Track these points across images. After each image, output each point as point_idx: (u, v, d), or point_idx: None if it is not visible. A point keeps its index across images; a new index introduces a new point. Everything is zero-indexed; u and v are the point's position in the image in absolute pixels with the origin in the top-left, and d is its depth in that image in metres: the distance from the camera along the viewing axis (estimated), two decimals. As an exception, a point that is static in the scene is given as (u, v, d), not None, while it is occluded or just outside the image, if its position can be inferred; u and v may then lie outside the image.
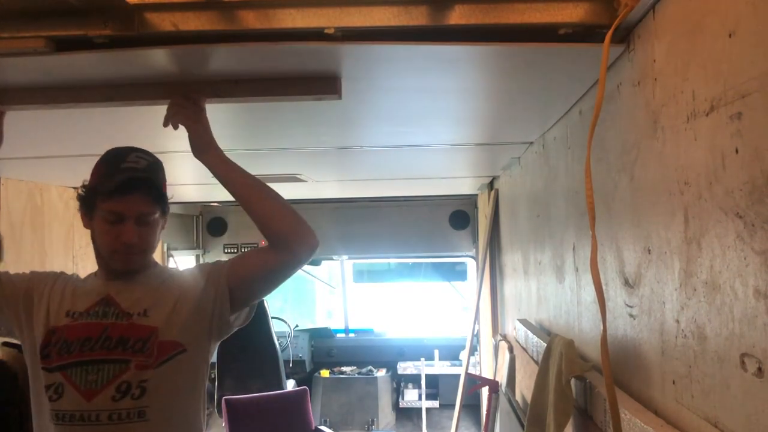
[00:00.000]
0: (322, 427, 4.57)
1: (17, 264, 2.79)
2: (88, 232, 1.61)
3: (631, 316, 1.38)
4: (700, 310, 1.04)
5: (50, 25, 1.26)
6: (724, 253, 0.94)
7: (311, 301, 8.01)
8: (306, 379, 5.77)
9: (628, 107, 1.38)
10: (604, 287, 1.39)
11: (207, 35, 1.29)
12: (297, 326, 6.15)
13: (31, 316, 1.58)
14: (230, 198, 1.59)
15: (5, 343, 2.49)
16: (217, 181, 1.59)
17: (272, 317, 5.46)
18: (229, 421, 4.19)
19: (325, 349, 6.10)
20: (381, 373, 5.85)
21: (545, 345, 1.90)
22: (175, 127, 1.57)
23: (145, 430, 1.47)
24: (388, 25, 1.26)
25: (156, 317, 1.54)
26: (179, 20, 1.27)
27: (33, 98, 1.58)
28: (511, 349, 3.09)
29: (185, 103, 1.54)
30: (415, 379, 5.83)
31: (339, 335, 6.33)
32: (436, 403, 5.77)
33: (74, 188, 1.64)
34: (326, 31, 1.25)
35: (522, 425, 2.44)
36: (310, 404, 4.50)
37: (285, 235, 1.53)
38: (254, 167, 2.93)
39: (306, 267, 6.12)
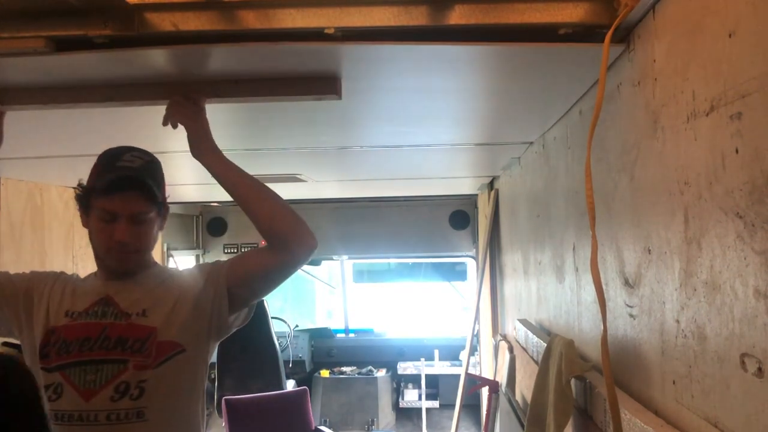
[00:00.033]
0: (322, 427, 4.57)
1: (17, 264, 2.79)
2: (87, 232, 1.61)
3: (631, 316, 1.38)
4: (700, 310, 1.03)
5: (50, 25, 1.26)
6: (724, 253, 0.94)
7: (311, 301, 8.01)
8: (306, 379, 5.77)
9: (628, 107, 1.38)
10: (604, 287, 1.39)
11: (207, 35, 1.29)
12: (297, 326, 6.15)
13: (31, 316, 1.58)
14: (230, 198, 1.59)
15: (5, 343, 2.49)
16: (216, 182, 1.59)
17: (272, 317, 5.46)
18: (229, 421, 4.19)
19: (325, 349, 6.10)
20: (381, 373, 5.85)
21: (545, 345, 1.90)
22: (174, 126, 1.57)
23: (143, 430, 1.47)
24: (388, 25, 1.26)
25: (155, 317, 1.53)
26: (179, 20, 1.27)
27: (33, 98, 1.58)
28: (511, 349, 3.09)
29: (185, 102, 1.54)
30: (415, 379, 5.83)
31: (339, 335, 6.33)
32: (436, 403, 5.77)
33: (74, 188, 1.63)
34: (326, 31, 1.25)
35: (522, 425, 2.44)
36: (310, 404, 4.50)
37: (284, 236, 1.53)
38: (254, 167, 2.93)
39: (306, 267, 6.14)
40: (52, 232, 3.24)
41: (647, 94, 1.24)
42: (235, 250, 5.57)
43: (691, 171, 1.05)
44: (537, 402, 1.86)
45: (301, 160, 2.89)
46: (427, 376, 5.71)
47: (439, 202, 5.39)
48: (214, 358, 5.28)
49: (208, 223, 5.69)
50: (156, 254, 4.30)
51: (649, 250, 1.25)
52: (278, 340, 5.39)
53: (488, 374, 4.13)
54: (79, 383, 1.46)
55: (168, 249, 4.94)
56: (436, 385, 5.81)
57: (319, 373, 5.88)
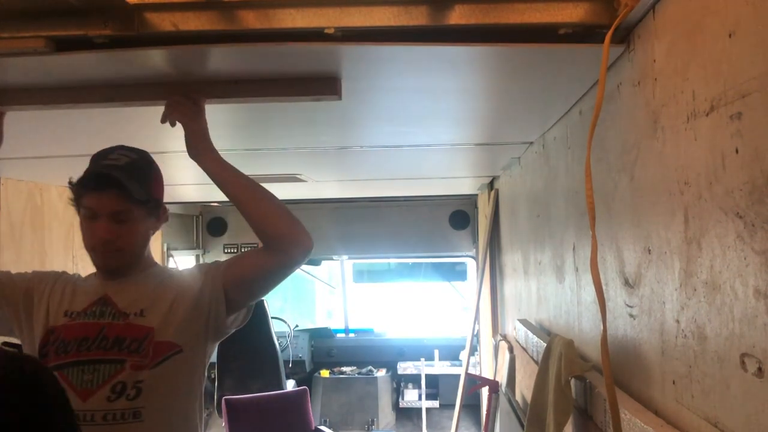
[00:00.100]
0: (322, 427, 4.57)
1: (17, 264, 2.79)
2: None
3: (631, 316, 1.38)
4: (700, 310, 1.03)
5: (50, 25, 1.26)
6: (724, 253, 0.94)
7: (311, 301, 8.01)
8: (306, 379, 5.77)
9: (628, 107, 1.38)
10: (604, 287, 1.39)
11: (207, 35, 1.29)
12: (297, 326, 6.15)
13: (31, 315, 1.58)
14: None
15: (5, 343, 2.49)
16: (213, 182, 1.59)
17: (272, 317, 5.46)
18: (228, 421, 4.19)
19: (325, 349, 6.10)
20: (381, 373, 5.85)
21: (545, 345, 1.90)
22: (173, 125, 1.57)
23: (140, 430, 1.47)
24: (388, 25, 1.26)
25: (152, 317, 1.53)
26: (179, 20, 1.27)
27: (33, 98, 1.58)
28: (511, 349, 3.09)
29: (185, 101, 1.53)
30: (415, 379, 5.83)
31: (339, 335, 6.33)
32: (436, 403, 5.77)
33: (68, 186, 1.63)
34: (326, 31, 1.25)
35: (522, 425, 2.44)
36: (310, 404, 4.50)
37: (280, 237, 1.53)
38: (254, 167, 2.95)
39: (306, 267, 6.15)
40: (52, 232, 3.24)
41: (647, 94, 1.24)
42: (235, 250, 5.57)
43: (691, 171, 1.05)
44: (537, 402, 1.86)
45: (301, 160, 2.89)
46: (427, 376, 5.71)
47: (439, 202, 5.39)
48: (214, 358, 5.28)
49: (208, 223, 5.69)
50: (156, 254, 4.30)
51: (649, 250, 1.25)
52: (278, 340, 5.39)
53: (488, 374, 4.13)
54: (76, 383, 1.46)
55: (168, 249, 4.94)
56: (436, 385, 5.80)
57: (319, 373, 5.88)
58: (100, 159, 1.57)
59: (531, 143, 2.55)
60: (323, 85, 1.52)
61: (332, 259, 6.12)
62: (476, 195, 4.86)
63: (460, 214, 5.44)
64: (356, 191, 4.61)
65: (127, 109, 1.66)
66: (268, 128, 2.22)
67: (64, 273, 1.66)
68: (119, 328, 1.51)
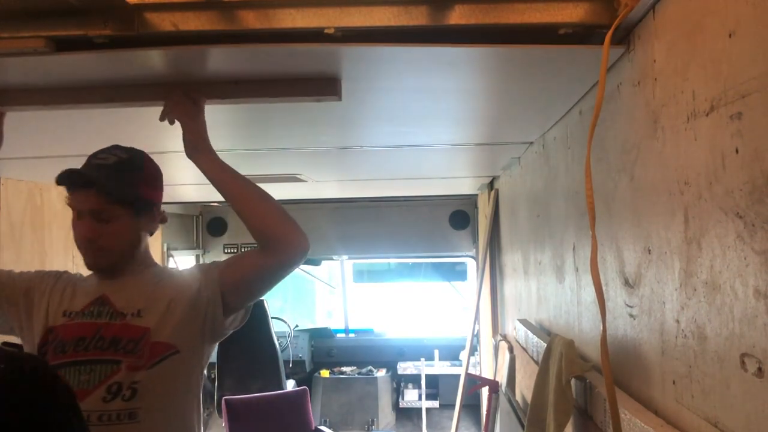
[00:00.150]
0: (322, 427, 4.57)
1: (17, 264, 2.78)
2: None
3: (631, 316, 1.38)
4: (700, 310, 1.04)
5: (50, 25, 1.26)
6: (724, 253, 0.94)
7: (311, 301, 8.02)
8: (306, 379, 5.77)
9: (628, 107, 1.38)
10: (604, 287, 1.39)
11: (207, 35, 1.29)
12: (297, 326, 6.16)
13: (31, 315, 1.58)
14: None
15: (5, 343, 2.49)
16: (209, 182, 1.59)
17: (272, 317, 5.46)
18: (229, 421, 4.19)
19: (325, 349, 6.10)
20: (381, 373, 5.86)
21: (545, 345, 1.90)
22: (171, 123, 1.57)
23: (135, 431, 1.46)
24: (388, 25, 1.26)
25: (149, 318, 1.52)
26: (179, 20, 1.27)
27: (33, 99, 1.58)
28: (511, 349, 3.09)
29: (184, 100, 1.53)
30: (415, 379, 5.83)
31: (339, 335, 6.33)
32: (436, 403, 5.77)
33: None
34: (326, 31, 1.25)
35: (522, 425, 2.44)
36: (310, 404, 4.50)
37: (275, 238, 1.52)
38: (254, 167, 2.95)
39: (306, 267, 6.15)
40: (52, 232, 3.25)
41: (647, 94, 1.25)
42: (235, 250, 5.57)
43: (691, 171, 1.05)
44: (537, 402, 1.86)
45: (301, 160, 2.89)
46: (427, 376, 5.71)
47: (439, 202, 5.39)
48: (213, 358, 5.29)
49: (208, 223, 5.69)
50: (156, 254, 4.29)
51: (649, 250, 1.25)
52: (278, 340, 5.39)
53: (488, 374, 4.13)
54: (73, 383, 1.45)
55: (168, 249, 4.94)
56: (436, 385, 5.81)
57: (319, 373, 5.88)
58: (91, 158, 1.57)
59: (531, 143, 2.55)
60: (323, 86, 1.52)
61: (332, 259, 6.12)
62: (476, 195, 4.86)
63: (460, 214, 5.44)
64: (356, 191, 4.61)
65: (127, 110, 1.66)
66: (268, 128, 2.22)
67: (65, 273, 1.66)
68: (116, 329, 1.51)
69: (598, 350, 1.36)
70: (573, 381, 1.63)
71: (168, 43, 1.30)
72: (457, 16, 1.26)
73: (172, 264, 5.01)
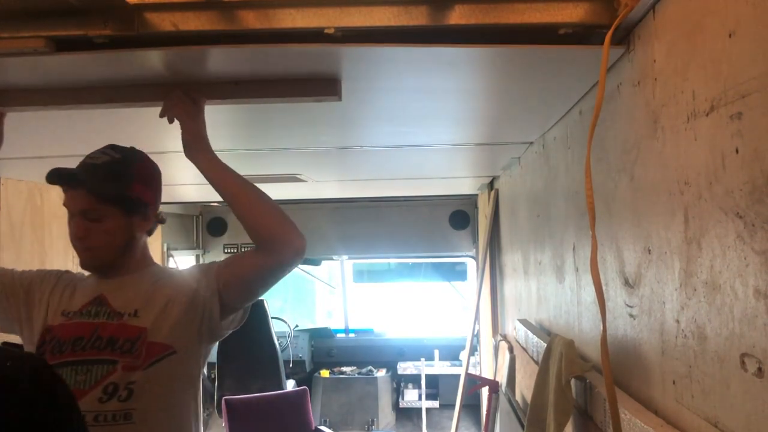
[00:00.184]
0: (322, 427, 4.57)
1: (17, 264, 2.77)
2: None
3: (631, 316, 1.38)
4: (700, 310, 1.04)
5: (50, 25, 1.26)
6: (724, 253, 0.94)
7: (311, 301, 8.01)
8: (306, 379, 5.77)
9: (628, 107, 1.38)
10: (604, 287, 1.39)
11: (207, 35, 1.29)
12: (297, 326, 6.15)
13: (31, 314, 1.58)
14: None
15: (5, 343, 2.49)
16: (208, 182, 1.58)
17: (272, 317, 5.46)
18: (229, 421, 4.19)
19: (325, 349, 6.10)
20: (381, 373, 5.86)
21: (545, 345, 1.90)
22: (170, 121, 1.56)
23: None
24: (388, 25, 1.26)
25: (146, 318, 1.52)
26: (179, 20, 1.27)
27: (33, 99, 1.58)
28: (511, 349, 3.09)
29: (185, 99, 1.53)
30: (415, 379, 5.83)
31: (339, 335, 6.33)
32: (436, 403, 5.77)
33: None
34: (326, 31, 1.25)
35: (522, 425, 2.44)
36: (310, 404, 4.51)
37: (271, 238, 1.51)
38: (254, 167, 2.94)
39: (306, 267, 6.15)
40: (52, 232, 3.24)
41: (647, 94, 1.25)
42: (235, 250, 5.56)
43: (691, 171, 1.05)
44: (537, 402, 1.86)
45: (301, 160, 2.89)
46: (427, 376, 5.71)
47: (439, 202, 5.38)
48: (213, 358, 5.29)
49: (208, 223, 5.69)
50: (156, 254, 4.28)
51: (649, 250, 1.25)
52: (278, 340, 5.39)
53: (488, 374, 4.13)
54: (69, 383, 1.44)
55: (168, 249, 4.94)
56: (436, 385, 5.81)
57: (319, 373, 5.88)
58: (85, 158, 1.57)
59: (531, 143, 2.55)
60: (323, 86, 1.52)
61: (332, 259, 6.12)
62: (476, 195, 4.86)
63: (460, 214, 5.44)
64: (356, 191, 4.61)
65: (127, 110, 1.66)
66: (269, 128, 2.22)
67: (66, 272, 1.66)
68: (113, 328, 1.50)
69: (598, 350, 1.36)
70: (573, 381, 1.63)
71: (168, 44, 1.30)
72: (457, 16, 1.26)
73: (172, 264, 5.01)
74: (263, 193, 1.56)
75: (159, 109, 1.57)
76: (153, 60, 1.40)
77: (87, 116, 1.83)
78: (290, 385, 5.27)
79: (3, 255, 2.84)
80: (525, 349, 2.50)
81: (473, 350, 4.75)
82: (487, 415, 3.58)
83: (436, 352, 5.75)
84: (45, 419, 0.90)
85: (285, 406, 4.45)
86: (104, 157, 1.56)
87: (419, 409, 5.72)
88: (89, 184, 1.51)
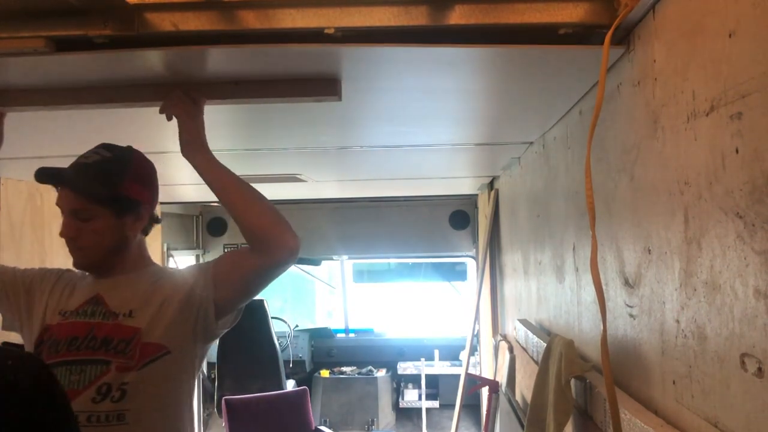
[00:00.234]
0: (322, 427, 4.58)
1: (17, 264, 2.78)
2: None
3: (631, 316, 1.38)
4: (700, 310, 1.04)
5: (50, 25, 1.26)
6: (724, 253, 0.94)
7: (311, 301, 8.01)
8: (306, 379, 5.77)
9: (628, 107, 1.38)
10: (604, 287, 1.39)
11: (207, 35, 1.29)
12: (297, 326, 6.16)
13: (31, 312, 1.58)
14: None
15: (6, 343, 2.49)
16: (204, 182, 1.58)
17: (272, 317, 5.46)
18: (229, 421, 4.19)
19: (325, 349, 6.10)
20: (381, 373, 5.86)
21: (545, 345, 1.90)
22: (169, 119, 1.56)
23: None
24: (388, 26, 1.26)
25: (141, 318, 1.51)
26: (179, 20, 1.27)
27: (33, 99, 1.58)
28: (511, 349, 3.09)
29: (185, 98, 1.53)
30: (415, 379, 5.83)
31: (339, 335, 6.33)
32: (436, 403, 5.77)
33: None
34: (326, 31, 1.25)
35: (522, 425, 2.44)
36: (310, 404, 4.51)
37: (264, 237, 1.50)
38: (254, 167, 2.95)
39: (306, 267, 6.14)
40: (52, 232, 3.24)
41: (647, 94, 1.24)
42: (235, 250, 5.55)
43: (691, 171, 1.05)
44: (537, 402, 1.86)
45: (301, 160, 2.89)
46: (427, 376, 5.71)
47: (439, 202, 5.38)
48: (213, 357, 5.29)
49: (208, 223, 5.69)
50: (156, 254, 4.28)
51: (649, 250, 1.25)
52: (278, 340, 5.40)
53: (488, 374, 4.13)
54: (64, 383, 1.44)
55: (168, 249, 4.94)
56: (436, 385, 5.81)
57: (319, 373, 5.88)
58: (78, 158, 1.58)
59: (531, 143, 2.55)
60: (323, 86, 1.52)
61: (332, 259, 6.12)
62: (476, 195, 4.86)
63: (460, 214, 5.44)
64: (356, 191, 4.61)
65: (128, 110, 1.66)
66: (268, 128, 2.22)
67: (67, 271, 1.66)
68: (108, 328, 1.50)
69: (598, 350, 1.36)
70: (573, 381, 1.63)
71: (168, 44, 1.30)
72: (457, 16, 1.26)
73: (172, 264, 5.01)
74: (259, 193, 1.55)
75: (158, 109, 1.57)
76: (153, 60, 1.40)
77: (87, 116, 1.83)
78: (290, 385, 5.27)
79: (3, 255, 2.84)
80: (525, 349, 2.50)
81: (473, 350, 4.75)
82: (487, 415, 3.58)
83: (436, 352, 5.75)
84: (44, 419, 0.90)
85: (285, 406, 4.45)
86: (95, 157, 1.56)
87: (419, 409, 5.72)
88: (78, 183, 1.52)
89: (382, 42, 1.30)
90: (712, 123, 0.97)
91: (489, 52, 1.38)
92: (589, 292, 1.69)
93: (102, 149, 1.58)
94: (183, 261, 5.30)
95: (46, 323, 1.55)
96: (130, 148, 1.62)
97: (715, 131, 0.96)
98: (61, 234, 1.55)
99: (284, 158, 2.77)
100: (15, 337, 1.67)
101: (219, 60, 1.41)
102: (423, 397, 5.70)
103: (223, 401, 4.28)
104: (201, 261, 5.42)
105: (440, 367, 5.74)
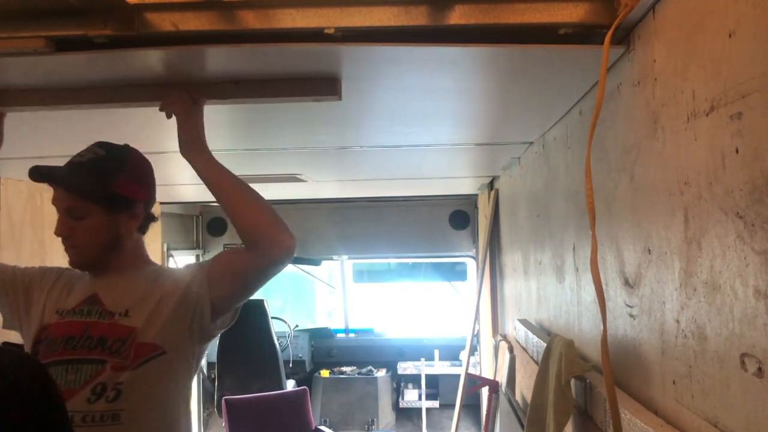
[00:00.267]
0: (322, 427, 4.58)
1: (17, 264, 2.79)
2: None
3: (631, 316, 1.38)
4: (700, 310, 1.04)
5: (50, 25, 1.26)
6: (724, 253, 0.94)
7: (311, 301, 8.01)
8: (306, 379, 5.77)
9: (628, 107, 1.38)
10: (604, 287, 1.39)
11: (207, 35, 1.29)
12: (297, 326, 6.15)
13: (29, 312, 1.58)
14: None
15: (6, 343, 2.49)
16: (201, 180, 1.58)
17: (272, 317, 5.46)
18: (229, 421, 4.19)
19: (325, 349, 6.10)
20: (381, 373, 5.86)
21: (545, 345, 1.90)
22: (168, 116, 1.56)
23: None
24: (388, 26, 1.26)
25: (137, 318, 1.50)
26: (179, 20, 1.27)
27: (33, 99, 1.58)
28: (511, 349, 3.09)
29: (186, 96, 1.53)
30: (415, 379, 5.83)
31: (339, 335, 6.33)
32: (436, 403, 5.77)
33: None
34: (326, 31, 1.25)
35: (522, 425, 2.44)
36: (310, 404, 4.51)
37: (259, 235, 1.49)
38: (254, 167, 2.95)
39: (306, 267, 6.14)
40: (52, 232, 3.24)
41: (647, 94, 1.24)
42: (235, 250, 5.54)
43: (691, 171, 1.05)
44: (537, 402, 1.86)
45: (301, 160, 2.89)
46: (427, 376, 5.71)
47: (439, 202, 5.38)
48: (213, 358, 5.29)
49: (208, 223, 5.69)
50: (156, 254, 4.28)
51: (649, 250, 1.25)
52: (278, 340, 5.39)
53: (488, 374, 4.13)
54: (60, 382, 1.44)
55: (168, 249, 4.94)
56: (436, 385, 5.81)
57: (319, 373, 5.88)
58: (73, 156, 1.58)
59: (531, 143, 2.55)
60: (323, 86, 1.52)
61: (332, 259, 6.12)
62: (476, 195, 4.86)
63: (460, 214, 5.44)
64: (356, 191, 4.61)
65: (128, 110, 1.66)
66: (268, 128, 2.22)
67: (66, 270, 1.65)
68: (103, 328, 1.49)
69: (598, 350, 1.36)
70: (573, 381, 1.63)
71: (168, 43, 1.30)
72: (457, 17, 1.26)
73: (172, 264, 5.01)
74: (256, 193, 1.54)
75: (159, 106, 1.57)
76: (153, 60, 1.40)
77: (87, 116, 1.83)
78: (290, 385, 5.27)
79: (3, 255, 2.83)
80: (525, 349, 2.50)
81: (473, 350, 4.75)
82: (487, 415, 3.58)
83: (436, 352, 5.75)
84: (44, 419, 0.90)
85: (285, 406, 4.45)
86: (89, 155, 1.56)
87: (419, 409, 5.72)
88: (71, 181, 1.52)
89: (382, 41, 1.30)
90: (712, 123, 0.97)
91: (489, 52, 1.38)
92: (589, 292, 1.69)
93: (97, 147, 1.58)
94: (183, 261, 5.30)
95: (44, 322, 1.55)
96: (126, 146, 1.62)
97: (715, 131, 0.96)
98: (56, 232, 1.54)
99: (284, 158, 2.77)
100: (15, 337, 1.67)
101: (219, 59, 1.41)
102: (423, 397, 5.70)
103: (223, 401, 4.28)
104: (201, 261, 5.44)
105: (440, 367, 5.74)
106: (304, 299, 8.02)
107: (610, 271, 1.50)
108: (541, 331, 2.36)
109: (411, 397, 5.85)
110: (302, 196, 4.53)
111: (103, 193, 1.53)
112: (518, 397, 2.77)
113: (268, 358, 5.15)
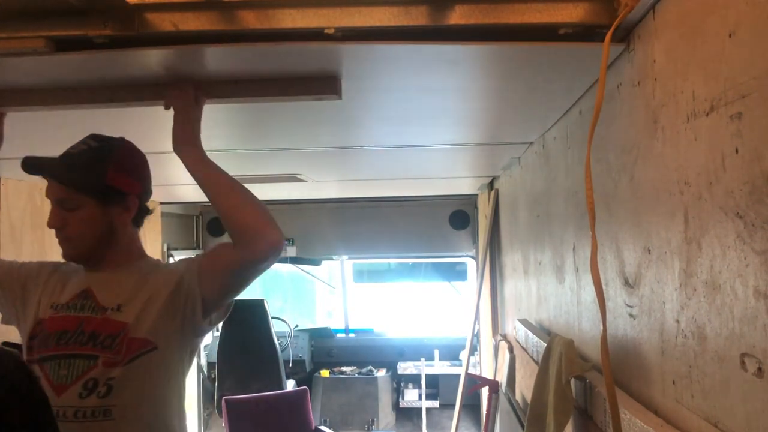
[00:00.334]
0: (322, 427, 4.58)
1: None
2: None
3: (631, 316, 1.38)
4: (700, 310, 1.04)
5: (50, 25, 1.26)
6: (724, 253, 0.94)
7: (311, 301, 8.01)
8: (306, 379, 5.77)
9: (628, 107, 1.38)
10: (604, 287, 1.39)
11: (207, 35, 1.29)
12: (297, 326, 6.15)
13: (25, 307, 1.58)
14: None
15: (5, 343, 2.49)
16: (192, 177, 1.57)
17: (272, 317, 5.46)
18: (229, 421, 4.19)
19: (325, 349, 6.10)
20: (381, 373, 5.86)
21: (545, 345, 1.90)
22: (167, 108, 1.55)
23: (110, 429, 1.44)
24: (388, 26, 1.26)
25: (128, 313, 1.50)
26: (179, 20, 1.27)
27: (33, 99, 1.58)
28: (511, 349, 3.09)
29: (189, 93, 1.52)
30: (415, 379, 5.83)
31: (339, 335, 6.33)
32: (436, 403, 5.77)
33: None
34: (326, 31, 1.25)
35: (522, 425, 2.44)
36: (310, 404, 4.51)
37: (244, 229, 1.48)
38: (254, 167, 2.95)
39: (306, 267, 6.14)
40: (51, 232, 3.24)
41: (647, 94, 1.24)
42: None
43: (691, 171, 1.05)
44: (537, 402, 1.86)
45: (301, 160, 2.89)
46: (427, 376, 5.71)
47: (439, 202, 5.38)
48: (213, 358, 5.30)
49: (208, 223, 5.69)
50: (156, 254, 4.28)
51: (649, 250, 1.25)
52: (278, 340, 5.39)
53: (488, 374, 4.13)
54: (53, 377, 1.44)
55: (168, 249, 4.94)
56: (436, 385, 5.81)
57: (319, 373, 5.88)
58: (67, 149, 1.58)
59: (531, 143, 2.55)
60: (323, 85, 1.52)
61: (332, 259, 6.12)
62: (476, 195, 4.86)
63: (460, 214, 5.44)
64: (356, 191, 4.61)
65: (128, 110, 1.66)
66: (268, 128, 2.22)
67: (63, 264, 1.65)
68: (96, 323, 1.49)
69: (598, 350, 1.36)
70: (573, 381, 1.63)
71: (168, 43, 1.30)
72: (457, 17, 1.26)
73: (171, 264, 5.00)
74: (247, 190, 1.53)
75: (159, 108, 1.56)
76: (153, 60, 1.40)
77: (87, 116, 1.83)
78: (290, 385, 5.27)
79: (3, 255, 2.83)
80: (525, 349, 2.50)
81: (473, 350, 4.75)
82: (487, 415, 3.58)
83: (436, 352, 5.75)
84: (45, 419, 0.90)
85: (285, 406, 4.45)
86: (82, 147, 1.56)
87: (419, 409, 5.72)
88: (61, 173, 1.52)
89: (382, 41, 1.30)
90: (711, 123, 0.97)
91: (489, 50, 1.38)
92: (589, 292, 1.69)
93: (90, 140, 1.58)
94: (183, 261, 5.29)
95: (39, 317, 1.55)
96: (120, 139, 1.62)
97: (714, 131, 0.96)
98: (48, 224, 1.55)
99: (284, 158, 2.77)
100: (15, 336, 1.67)
101: (219, 59, 1.41)
102: (423, 397, 5.70)
103: (223, 401, 4.28)
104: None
105: (440, 367, 5.74)
106: (304, 299, 8.02)
107: (610, 271, 1.50)
108: (541, 331, 2.36)
109: (411, 397, 5.85)
110: (302, 196, 4.53)
111: (95, 185, 1.53)
112: (518, 397, 2.77)
113: (268, 358, 5.15)
